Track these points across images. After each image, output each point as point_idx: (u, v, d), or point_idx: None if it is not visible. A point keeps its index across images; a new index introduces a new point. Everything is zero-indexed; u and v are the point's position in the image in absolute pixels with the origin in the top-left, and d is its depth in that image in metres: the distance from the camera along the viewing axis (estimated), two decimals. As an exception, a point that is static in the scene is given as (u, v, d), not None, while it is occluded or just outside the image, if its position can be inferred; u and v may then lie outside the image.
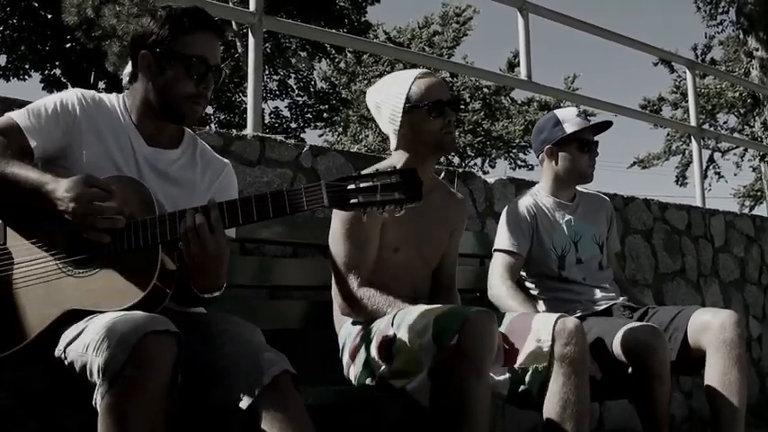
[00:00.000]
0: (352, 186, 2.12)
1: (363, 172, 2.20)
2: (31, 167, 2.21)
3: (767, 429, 4.68)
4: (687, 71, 7.39)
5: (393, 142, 3.02)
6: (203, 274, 2.25)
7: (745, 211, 22.52)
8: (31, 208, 2.20)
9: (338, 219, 2.91)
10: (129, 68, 3.51)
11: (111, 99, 2.51)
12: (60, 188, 2.13)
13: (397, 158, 3.01)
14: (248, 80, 4.29)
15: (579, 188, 3.86)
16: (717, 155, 26.06)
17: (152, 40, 2.40)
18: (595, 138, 3.73)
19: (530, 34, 5.77)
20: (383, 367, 2.74)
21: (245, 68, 18.83)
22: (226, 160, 2.69)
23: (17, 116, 2.33)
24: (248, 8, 4.42)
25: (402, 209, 2.14)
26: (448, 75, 24.90)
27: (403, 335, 2.65)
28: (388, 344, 2.70)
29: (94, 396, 1.93)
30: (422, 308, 2.68)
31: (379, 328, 2.77)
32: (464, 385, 2.50)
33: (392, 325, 2.71)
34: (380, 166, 3.00)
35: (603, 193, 4.10)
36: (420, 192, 2.13)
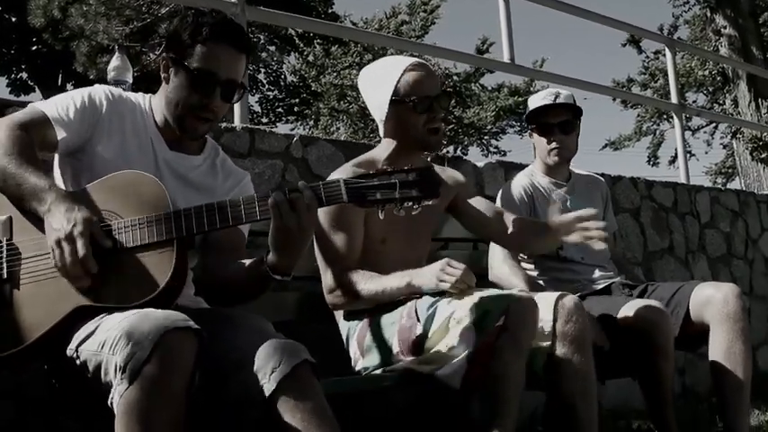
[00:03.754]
0: (370, 183, 2.13)
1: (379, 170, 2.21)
2: (44, 174, 2.18)
3: (761, 401, 4.70)
4: (667, 49, 7.43)
5: (381, 130, 3.01)
6: (289, 252, 2.20)
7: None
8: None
9: (321, 211, 2.87)
10: (114, 62, 3.47)
11: (138, 98, 2.49)
12: (62, 209, 2.09)
13: (384, 147, 3.00)
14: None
15: (573, 168, 3.85)
16: (687, 133, 26.22)
17: (172, 44, 2.38)
18: (577, 118, 3.71)
19: (511, 16, 5.75)
20: (403, 362, 2.72)
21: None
22: (245, 171, 2.66)
23: (45, 107, 2.31)
24: (230, -2, 4.35)
25: (419, 206, 2.16)
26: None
27: (436, 326, 2.63)
28: (417, 342, 2.69)
29: (111, 396, 1.88)
30: (458, 301, 2.64)
31: (399, 322, 2.75)
32: (505, 360, 2.54)
33: (418, 320, 2.69)
34: (367, 156, 3.01)
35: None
36: (438, 189, 2.16)
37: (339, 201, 2.15)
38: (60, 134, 2.28)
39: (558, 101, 3.67)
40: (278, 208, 2.11)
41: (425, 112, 2.88)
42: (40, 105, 2.32)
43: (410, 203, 2.13)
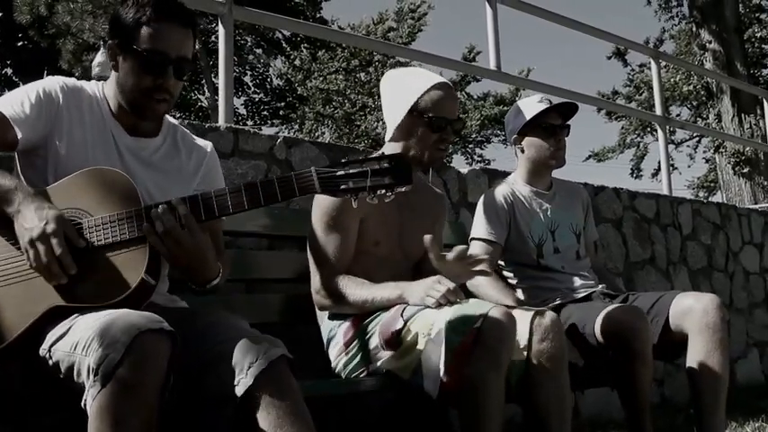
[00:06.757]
0: (342, 172, 2.13)
1: (351, 158, 2.19)
2: (9, 174, 2.16)
3: (739, 414, 4.71)
4: (652, 61, 7.47)
5: (389, 132, 3.01)
6: (190, 271, 2.24)
7: (700, 202, 22.72)
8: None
9: (318, 211, 2.89)
10: (98, 58, 3.46)
11: (93, 87, 2.45)
12: (31, 208, 2.07)
13: (388, 151, 2.99)
14: (219, 71, 4.24)
15: (555, 177, 3.84)
16: (670, 147, 26.32)
17: (118, 29, 2.33)
18: (567, 122, 3.70)
19: (498, 24, 5.76)
20: (383, 360, 2.72)
21: (201, 64, 18.71)
22: (208, 142, 2.64)
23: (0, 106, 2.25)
24: (217, -2, 4.34)
25: (392, 193, 2.16)
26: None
27: (415, 324, 2.64)
28: (396, 335, 2.69)
29: (84, 397, 1.86)
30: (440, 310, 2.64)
31: (382, 322, 2.75)
32: (482, 372, 2.52)
33: (401, 316, 2.69)
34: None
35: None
36: (410, 176, 2.16)
37: (312, 191, 2.14)
38: (19, 132, 2.22)
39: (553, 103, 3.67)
40: (160, 241, 2.10)
41: (439, 132, 2.91)
42: None
43: (383, 191, 2.14)
